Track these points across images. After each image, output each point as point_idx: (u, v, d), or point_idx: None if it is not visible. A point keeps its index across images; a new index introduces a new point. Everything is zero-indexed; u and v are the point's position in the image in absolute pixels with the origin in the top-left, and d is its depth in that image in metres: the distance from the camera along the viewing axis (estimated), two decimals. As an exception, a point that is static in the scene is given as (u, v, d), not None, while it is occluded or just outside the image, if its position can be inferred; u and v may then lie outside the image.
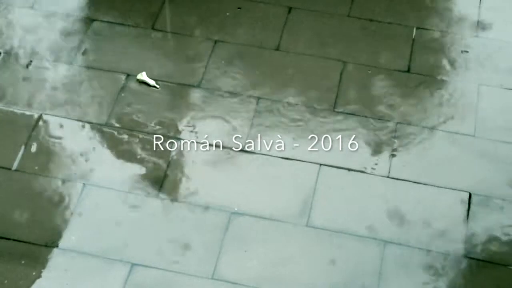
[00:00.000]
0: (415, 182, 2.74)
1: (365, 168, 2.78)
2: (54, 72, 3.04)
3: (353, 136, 2.86)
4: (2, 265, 2.51)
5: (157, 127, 2.88)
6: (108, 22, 3.22)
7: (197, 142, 2.84)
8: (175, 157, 2.79)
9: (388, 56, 3.12)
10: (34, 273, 2.50)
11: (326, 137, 2.86)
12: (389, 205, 2.68)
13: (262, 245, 2.58)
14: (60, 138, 2.84)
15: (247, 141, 2.84)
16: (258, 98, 2.97)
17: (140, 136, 2.85)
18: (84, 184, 2.71)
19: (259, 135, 2.86)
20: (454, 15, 3.27)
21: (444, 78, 3.05)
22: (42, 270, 2.51)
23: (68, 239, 2.58)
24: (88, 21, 3.22)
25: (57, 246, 2.56)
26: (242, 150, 2.82)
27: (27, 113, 2.91)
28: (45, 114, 2.91)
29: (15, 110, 2.92)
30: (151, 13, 3.25)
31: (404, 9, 3.29)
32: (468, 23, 3.24)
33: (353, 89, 3.01)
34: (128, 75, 3.03)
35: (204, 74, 3.04)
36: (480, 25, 3.23)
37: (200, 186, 2.72)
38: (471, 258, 2.56)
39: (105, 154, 2.80)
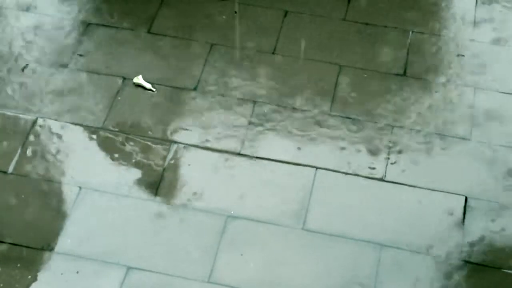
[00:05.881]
0: (411, 186, 2.74)
1: (361, 171, 2.78)
2: (50, 76, 3.04)
3: (349, 139, 2.87)
4: (-2, 268, 2.52)
5: (154, 130, 2.88)
6: (104, 25, 3.22)
7: (193, 146, 2.84)
8: (171, 161, 2.79)
9: (384, 59, 3.12)
10: (29, 277, 2.50)
11: (322, 140, 2.86)
12: (385, 208, 2.68)
13: (258, 249, 2.58)
14: (56, 141, 2.84)
15: (243, 144, 2.84)
16: (255, 102, 2.97)
17: (137, 139, 2.85)
18: (80, 187, 2.71)
19: (255, 138, 2.86)
20: (450, 19, 3.28)
21: (440, 81, 3.05)
22: (38, 273, 2.50)
23: (64, 243, 2.57)
24: (84, 24, 3.22)
25: (53, 249, 2.56)
26: (239, 154, 2.82)
27: (23, 116, 2.91)
28: (41, 117, 2.90)
29: (11, 114, 2.92)
30: (147, 16, 3.25)
31: (400, 13, 3.30)
32: (464, 27, 3.25)
33: (349, 92, 3.01)
34: (124, 79, 3.03)
35: (200, 78, 3.04)
36: (476, 29, 3.24)
37: (197, 190, 2.72)
38: (466, 261, 2.57)
39: (101, 158, 2.80)
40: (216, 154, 2.81)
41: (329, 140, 2.87)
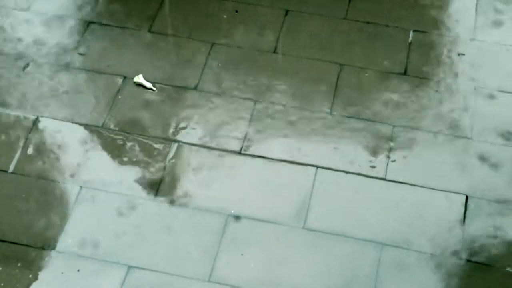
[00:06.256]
0: (412, 185, 2.74)
1: (362, 170, 2.78)
2: (51, 75, 3.04)
3: (350, 138, 2.87)
4: (-1, 267, 2.52)
5: (154, 129, 2.88)
6: (105, 24, 3.22)
7: (194, 145, 2.84)
8: (172, 160, 2.79)
9: (385, 58, 3.12)
10: (30, 276, 2.50)
11: (323, 139, 2.86)
12: (386, 207, 2.68)
13: (259, 248, 2.58)
14: (56, 140, 2.84)
15: (244, 143, 2.84)
16: (255, 101, 2.97)
17: (137, 138, 2.85)
18: (80, 186, 2.71)
19: (256, 137, 2.86)
20: (450, 18, 3.28)
21: (440, 81, 3.05)
22: (39, 272, 2.51)
23: (64, 242, 2.57)
24: (85, 23, 3.22)
25: (53, 248, 2.56)
26: (239, 153, 2.82)
27: (24, 115, 2.91)
28: (42, 116, 2.91)
29: (12, 113, 2.92)
30: (148, 16, 3.25)
31: (401, 12, 3.29)
32: (464, 26, 3.25)
33: (350, 91, 3.01)
34: (125, 78, 3.03)
35: (201, 77, 3.04)
36: (476, 28, 3.24)
37: (197, 189, 2.72)
38: (467, 260, 2.57)
39: (102, 157, 2.80)
40: (217, 153, 2.81)
41: (330, 139, 2.86)
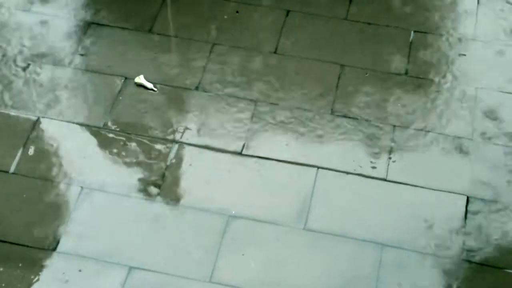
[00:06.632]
0: (413, 185, 2.74)
1: (363, 171, 2.78)
2: (52, 75, 3.04)
3: (351, 139, 2.87)
4: (0, 268, 2.51)
5: (155, 130, 2.88)
6: (106, 25, 3.22)
7: (194, 145, 2.84)
8: (173, 160, 2.79)
9: (385, 59, 3.12)
10: (31, 277, 2.50)
11: (324, 140, 2.86)
12: (386, 208, 2.68)
13: (260, 249, 2.58)
14: (57, 141, 2.84)
15: (245, 144, 2.84)
16: (256, 101, 2.97)
17: (138, 139, 2.85)
18: (81, 187, 2.71)
19: (256, 138, 2.86)
20: (451, 18, 3.28)
21: (441, 81, 3.05)
22: (40, 273, 2.51)
23: (65, 242, 2.57)
24: (86, 24, 3.22)
25: (54, 249, 2.56)
26: (240, 153, 2.82)
27: (25, 116, 2.91)
28: (43, 117, 2.91)
29: (13, 113, 2.92)
30: (149, 16, 3.25)
31: (402, 12, 3.29)
32: (465, 26, 3.25)
33: (351, 92, 3.01)
34: (126, 78, 3.03)
35: (202, 77, 3.04)
36: (477, 28, 3.24)
37: (198, 189, 2.72)
38: (468, 261, 2.57)
39: (103, 157, 2.80)
40: (218, 154, 2.81)
41: (331, 139, 2.87)
